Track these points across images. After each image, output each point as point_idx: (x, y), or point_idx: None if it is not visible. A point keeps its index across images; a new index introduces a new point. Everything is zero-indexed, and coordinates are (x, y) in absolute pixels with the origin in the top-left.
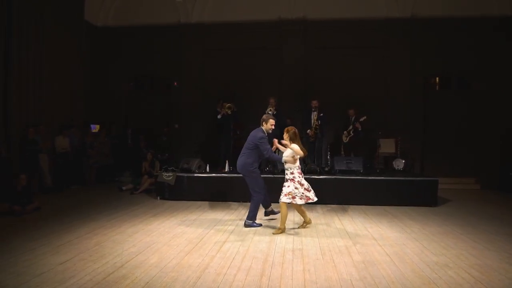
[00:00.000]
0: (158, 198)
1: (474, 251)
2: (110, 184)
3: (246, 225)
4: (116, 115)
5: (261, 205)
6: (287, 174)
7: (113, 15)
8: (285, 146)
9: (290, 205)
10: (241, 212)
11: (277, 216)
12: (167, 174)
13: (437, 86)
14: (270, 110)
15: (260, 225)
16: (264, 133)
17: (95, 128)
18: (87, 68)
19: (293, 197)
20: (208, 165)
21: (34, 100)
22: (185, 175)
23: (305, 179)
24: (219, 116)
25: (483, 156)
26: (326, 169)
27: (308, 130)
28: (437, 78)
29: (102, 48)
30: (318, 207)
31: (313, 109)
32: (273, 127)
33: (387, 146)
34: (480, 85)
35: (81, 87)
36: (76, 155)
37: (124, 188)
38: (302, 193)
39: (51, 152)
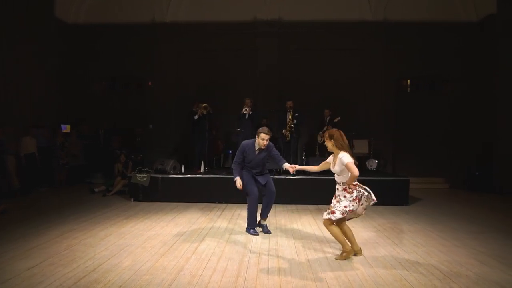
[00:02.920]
0: (132, 200)
1: (443, 248)
2: (82, 185)
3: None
4: (89, 115)
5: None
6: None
7: (85, 12)
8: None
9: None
10: (216, 213)
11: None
12: (141, 175)
13: (408, 88)
14: (246, 110)
15: (256, 234)
16: (250, 145)
17: (66, 128)
18: (58, 66)
19: (333, 212)
20: (183, 166)
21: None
22: (160, 176)
23: (279, 179)
24: (196, 117)
25: (451, 157)
26: None
27: (284, 130)
28: (409, 80)
29: (74, 46)
30: (294, 207)
31: (288, 110)
32: (264, 142)
33: (360, 147)
34: (448, 88)
35: (51, 86)
36: (44, 156)
37: (96, 189)
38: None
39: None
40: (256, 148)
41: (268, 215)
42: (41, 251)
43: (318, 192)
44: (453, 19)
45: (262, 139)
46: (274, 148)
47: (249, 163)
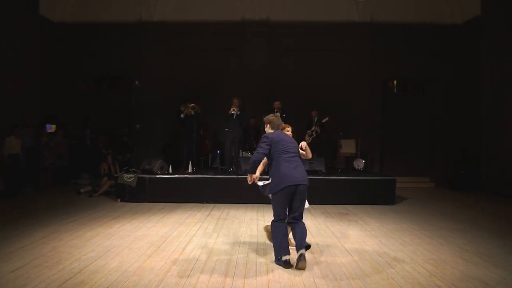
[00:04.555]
0: (119, 200)
1: (429, 247)
2: (67, 186)
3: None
4: (75, 114)
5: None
6: None
7: (71, 10)
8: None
9: None
10: (204, 213)
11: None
12: (128, 176)
13: (395, 89)
14: (234, 110)
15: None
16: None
17: (51, 128)
18: (44, 65)
19: None
20: (170, 166)
21: None
22: (147, 176)
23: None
24: (182, 116)
25: (437, 156)
26: None
27: None
28: (395, 81)
29: (60, 45)
30: None
31: (275, 110)
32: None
33: (348, 147)
34: (434, 89)
35: (37, 85)
36: (30, 156)
37: (82, 190)
38: None
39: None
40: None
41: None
42: (25, 252)
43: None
44: (439, 20)
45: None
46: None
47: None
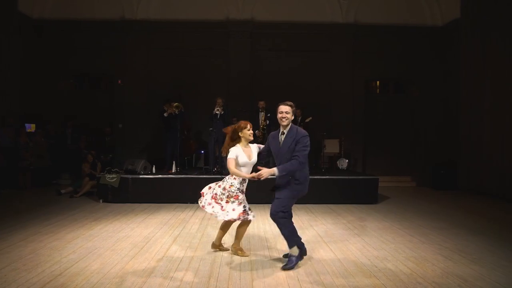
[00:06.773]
0: (101, 201)
1: (410, 245)
2: (48, 187)
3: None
4: (56, 114)
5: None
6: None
7: (51, 6)
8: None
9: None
10: (188, 214)
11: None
12: (111, 176)
13: (377, 90)
14: (218, 110)
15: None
16: (276, 132)
17: (30, 127)
18: (22, 63)
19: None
20: (154, 166)
21: None
22: (130, 176)
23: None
24: (165, 114)
25: (418, 156)
26: None
27: (256, 131)
28: (377, 82)
29: (39, 42)
30: (266, 206)
31: (260, 110)
32: (283, 115)
33: (331, 146)
34: (414, 90)
35: (15, 84)
36: (8, 156)
37: (62, 191)
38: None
39: None
40: (280, 133)
41: None
42: (2, 256)
43: None
44: (421, 22)
45: (280, 112)
46: (305, 143)
47: (275, 159)
